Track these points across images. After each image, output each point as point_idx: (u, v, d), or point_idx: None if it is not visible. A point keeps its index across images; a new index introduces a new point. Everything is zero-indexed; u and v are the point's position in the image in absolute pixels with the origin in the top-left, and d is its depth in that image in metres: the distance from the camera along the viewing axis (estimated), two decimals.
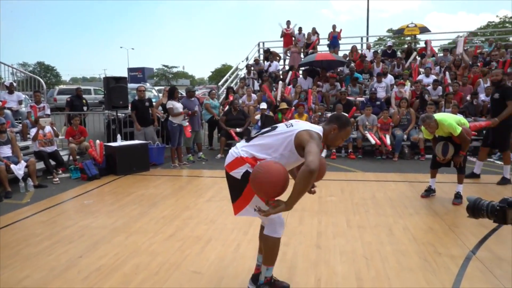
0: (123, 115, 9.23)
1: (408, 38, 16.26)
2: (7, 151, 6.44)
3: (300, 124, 2.56)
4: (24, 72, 12.33)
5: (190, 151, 8.74)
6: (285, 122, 2.69)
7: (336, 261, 3.45)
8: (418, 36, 16.40)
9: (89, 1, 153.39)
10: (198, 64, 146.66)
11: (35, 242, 4.08)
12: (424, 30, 15.06)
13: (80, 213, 5.13)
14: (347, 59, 12.77)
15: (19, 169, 6.26)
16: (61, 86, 28.24)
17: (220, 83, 12.30)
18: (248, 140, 2.66)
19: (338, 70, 12.10)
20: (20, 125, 8.45)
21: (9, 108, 8.60)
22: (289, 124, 2.59)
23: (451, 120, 4.93)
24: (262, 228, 2.79)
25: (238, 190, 2.61)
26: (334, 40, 14.18)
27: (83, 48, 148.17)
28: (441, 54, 12.48)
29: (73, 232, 4.34)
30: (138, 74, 48.90)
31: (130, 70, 50.33)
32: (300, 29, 14.53)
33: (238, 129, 8.95)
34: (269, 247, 2.72)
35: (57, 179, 6.88)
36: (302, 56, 13.55)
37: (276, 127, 2.65)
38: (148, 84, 19.05)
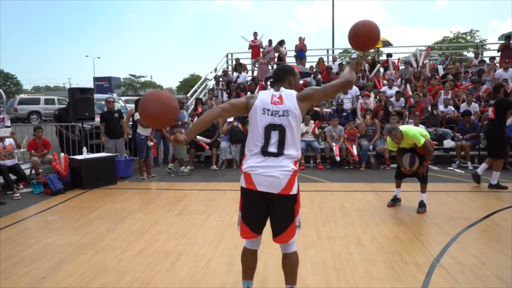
0: (89, 126, 8.99)
1: (372, 50, 16.86)
2: None
3: (287, 99, 2.52)
4: None
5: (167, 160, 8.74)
6: (276, 110, 2.52)
7: (307, 273, 3.49)
8: (381, 49, 17.07)
9: (52, 7, 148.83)
10: (166, 73, 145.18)
11: None
12: (386, 44, 15.71)
13: (43, 230, 4.92)
14: (314, 70, 13.06)
15: None
16: (22, 96, 27.07)
17: (188, 94, 12.23)
18: (279, 151, 2.47)
19: (306, 81, 12.35)
20: None
21: None
22: (285, 110, 2.50)
23: (414, 131, 5.15)
24: (284, 256, 2.70)
25: (292, 207, 2.55)
26: (300, 51, 14.47)
27: (46, 56, 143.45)
28: (403, 67, 13.02)
29: (35, 252, 4.15)
30: (105, 83, 47.81)
31: (96, 79, 49.12)
32: (270, 41, 14.74)
33: (206, 140, 8.92)
34: (296, 263, 2.69)
35: (18, 194, 6.58)
36: (270, 68, 13.74)
37: (280, 123, 2.50)
38: (115, 95, 18.66)
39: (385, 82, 11.44)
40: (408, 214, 5.22)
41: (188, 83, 48.65)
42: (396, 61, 13.49)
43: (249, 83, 12.47)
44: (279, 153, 2.46)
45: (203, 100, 11.19)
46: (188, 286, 3.28)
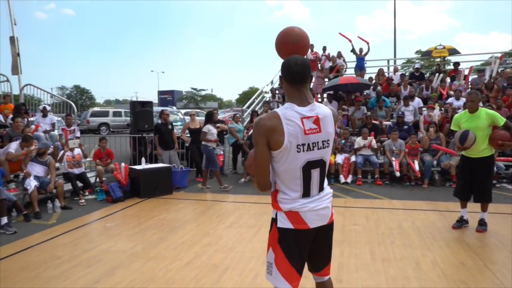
0: (149, 138, 9.40)
1: (437, 59, 15.93)
2: (39, 170, 6.64)
3: (325, 124, 2.02)
4: (58, 97, 12.89)
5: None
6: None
7: None
8: (448, 58, 16.02)
9: (122, 27, 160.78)
10: (226, 86, 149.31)
11: (55, 265, 4.11)
12: (453, 52, 14.71)
13: (101, 236, 5.16)
14: (373, 82, 12.59)
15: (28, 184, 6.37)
16: (94, 109, 29.29)
17: (245, 107, 12.39)
18: (321, 188, 2.09)
19: (364, 93, 11.94)
20: (52, 147, 8.72)
21: (45, 131, 8.96)
22: (325, 141, 2.02)
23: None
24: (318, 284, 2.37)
25: (332, 234, 2.25)
26: (359, 61, 14.04)
27: (116, 71, 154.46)
28: (475, 76, 12.09)
29: (92, 256, 4.35)
30: (168, 96, 50.18)
31: (160, 93, 51.78)
32: (324, 48, 14.50)
33: None
34: None
35: (83, 200, 7.01)
36: (326, 80, 13.49)
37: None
38: (174, 108, 19.44)
39: (452, 92, 10.68)
40: (477, 239, 4.73)
41: (247, 96, 49.47)
42: (465, 70, 12.54)
43: None
44: (321, 189, 2.09)
45: (259, 112, 11.24)
46: None
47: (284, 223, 2.03)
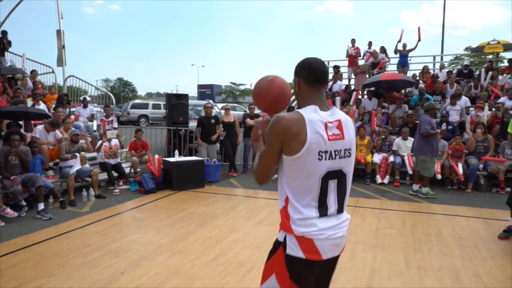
0: (183, 131, 9.46)
1: (490, 56, 14.95)
2: (74, 160, 6.83)
3: (348, 130, 1.83)
4: (99, 88, 13.32)
5: None
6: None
7: None
8: (502, 54, 14.96)
9: (165, 22, 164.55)
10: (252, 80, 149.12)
11: (85, 253, 4.17)
12: (508, 47, 13.70)
13: (131, 226, 5.21)
14: (417, 79, 11.99)
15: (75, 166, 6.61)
16: (135, 101, 30.14)
17: None
18: (339, 207, 1.82)
19: (407, 91, 11.40)
20: (90, 137, 9.00)
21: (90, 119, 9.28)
22: (347, 149, 1.80)
23: None
24: None
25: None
26: (402, 57, 13.42)
27: (158, 65, 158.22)
28: None
29: (120, 246, 4.38)
30: (207, 90, 50.86)
31: (200, 86, 52.56)
32: (370, 43, 13.99)
33: None
34: None
35: (117, 190, 7.15)
36: (367, 76, 13.01)
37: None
38: (211, 101, 19.58)
39: (505, 92, 9.95)
40: None
41: None
42: None
43: (343, 91, 11.98)
44: (340, 209, 1.80)
45: (295, 108, 11.02)
46: None
47: (294, 250, 1.72)
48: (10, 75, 10.10)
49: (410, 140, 8.06)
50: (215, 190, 7.50)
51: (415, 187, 7.10)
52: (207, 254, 4.15)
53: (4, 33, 11.59)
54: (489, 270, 3.77)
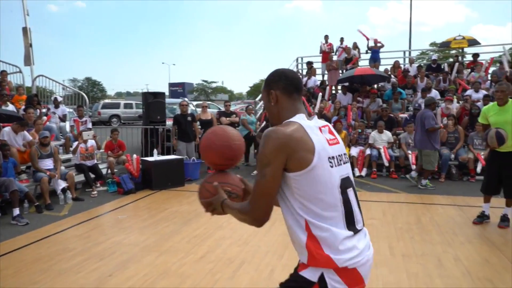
0: (161, 129, 9.32)
1: (454, 51, 15.54)
2: (49, 163, 6.59)
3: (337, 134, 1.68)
4: (70, 88, 12.91)
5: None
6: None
7: None
8: (466, 49, 15.58)
9: (133, 19, 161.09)
10: (237, 79, 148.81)
11: (68, 257, 4.06)
12: (473, 42, 14.28)
13: (113, 228, 5.11)
14: (389, 74, 12.32)
15: (59, 185, 6.40)
16: (106, 101, 29.39)
17: (257, 99, 12.24)
18: (362, 220, 1.59)
19: (379, 85, 11.69)
20: (63, 139, 8.72)
21: (62, 119, 8.96)
22: (345, 154, 1.62)
23: None
24: None
25: None
26: (374, 53, 13.75)
27: (127, 64, 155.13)
28: (495, 68, 11.74)
29: (105, 249, 4.29)
30: (179, 89, 50.14)
31: (171, 85, 51.75)
32: (342, 39, 14.22)
33: None
34: None
35: (95, 192, 6.98)
36: (340, 72, 13.24)
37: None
38: (186, 99, 19.41)
39: (471, 85, 10.39)
40: (500, 235, 4.55)
41: (258, 88, 49.28)
42: (485, 62, 12.14)
43: (318, 86, 12.14)
44: (363, 222, 1.58)
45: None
46: None
47: (335, 284, 1.41)
48: None
49: (386, 133, 8.30)
50: (195, 188, 7.37)
51: (424, 181, 7.07)
52: (195, 253, 4.13)
53: None
54: (467, 254, 3.96)
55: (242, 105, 24.88)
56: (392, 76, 12.12)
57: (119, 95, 77.79)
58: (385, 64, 14.28)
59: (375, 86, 11.72)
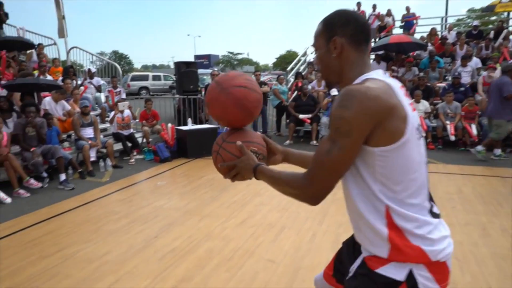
0: (197, 98, 9.37)
1: (495, 17, 14.67)
2: (90, 132, 6.80)
3: None
4: (103, 58, 13.10)
5: None
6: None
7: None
8: None
9: None
10: (263, 50, 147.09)
11: (114, 220, 4.24)
12: None
13: (153, 194, 5.27)
14: (425, 41, 11.81)
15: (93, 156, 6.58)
16: (134, 73, 29.72)
17: (288, 68, 12.05)
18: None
19: (415, 54, 11.24)
20: (99, 109, 8.93)
21: (97, 89, 9.16)
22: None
23: None
24: None
25: None
26: (408, 22, 13.17)
27: (153, 37, 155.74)
28: None
29: (148, 212, 4.45)
30: (205, 61, 50.02)
31: (197, 57, 51.65)
32: (374, 6, 13.66)
33: (306, 116, 8.66)
34: None
35: (133, 160, 7.18)
36: (373, 40, 12.80)
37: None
38: (216, 69, 19.35)
39: None
40: None
41: (284, 60, 48.55)
42: None
43: None
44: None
45: (303, 74, 10.90)
46: (293, 260, 3.17)
47: (424, 285, 1.15)
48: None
49: (423, 102, 8.04)
50: None
51: (497, 151, 6.79)
52: (235, 217, 4.21)
53: (0, 5, 11.24)
54: None
55: (269, 76, 24.65)
56: (429, 44, 11.61)
57: (145, 68, 78.47)
58: (421, 31, 13.69)
59: (410, 54, 11.29)
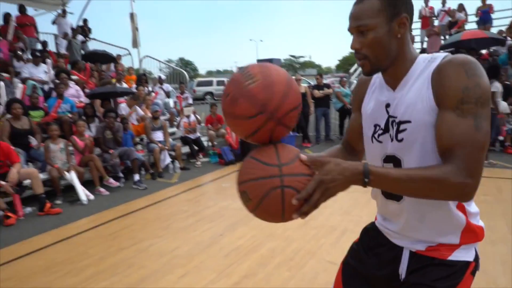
0: None
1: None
2: (160, 135, 7.28)
3: None
4: (171, 65, 13.90)
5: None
6: None
7: (497, 271, 2.94)
8: None
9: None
10: (325, 52, 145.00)
11: (182, 218, 4.51)
12: None
13: (219, 195, 5.50)
14: (504, 36, 10.91)
15: (166, 157, 7.01)
16: (199, 79, 31.03)
17: (351, 70, 11.84)
18: None
19: (491, 50, 10.45)
20: (168, 113, 9.49)
21: (167, 95, 9.78)
22: None
23: None
24: None
25: None
26: (484, 15, 12.23)
27: (216, 42, 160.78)
28: None
29: (214, 212, 4.67)
30: None
31: (259, 61, 52.54)
32: (444, 1, 12.88)
33: None
34: None
35: (199, 162, 7.54)
36: (442, 38, 12.11)
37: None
38: None
39: None
40: None
41: (347, 62, 47.58)
42: None
43: None
44: None
45: None
46: None
47: (478, 261, 1.26)
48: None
49: (500, 102, 7.46)
50: None
51: None
52: (298, 219, 4.25)
53: (85, 21, 12.44)
54: None
55: (332, 79, 24.33)
56: (508, 38, 10.71)
57: (209, 73, 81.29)
58: (498, 25, 12.66)
59: (485, 51, 10.51)
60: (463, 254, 1.20)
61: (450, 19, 12.63)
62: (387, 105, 1.20)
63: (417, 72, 1.13)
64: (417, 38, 13.49)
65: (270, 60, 53.06)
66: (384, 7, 1.08)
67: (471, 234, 1.19)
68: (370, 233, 1.44)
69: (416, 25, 13.62)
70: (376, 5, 1.09)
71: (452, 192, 1.02)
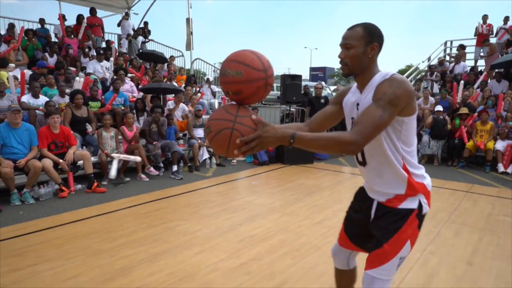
0: (294, 109, 9.94)
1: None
2: (201, 132, 7.84)
3: None
4: (218, 68, 14.61)
5: None
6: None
7: (488, 283, 3.07)
8: None
9: (277, 5, 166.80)
10: (382, 64, 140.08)
11: (209, 207, 4.97)
12: None
13: (247, 190, 5.92)
14: None
15: (202, 154, 7.55)
16: None
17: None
18: None
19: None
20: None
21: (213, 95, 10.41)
22: None
23: None
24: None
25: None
26: None
27: (271, 48, 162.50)
28: None
29: (238, 205, 5.09)
30: (320, 73, 50.64)
31: (312, 69, 52.56)
32: (506, 18, 12.37)
33: None
34: None
35: (235, 160, 8.01)
36: (499, 56, 11.68)
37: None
38: (323, 83, 19.71)
39: None
40: None
41: (403, 73, 46.26)
42: None
43: (467, 73, 11.03)
44: None
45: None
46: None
47: (426, 208, 1.79)
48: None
49: None
50: (323, 167, 7.86)
51: None
52: (312, 218, 4.57)
53: (146, 23, 13.49)
54: None
55: None
56: None
57: None
58: None
59: None
60: (408, 204, 1.76)
61: (508, 37, 12.16)
62: (357, 104, 1.77)
63: (375, 83, 1.69)
64: (470, 56, 13.12)
65: (323, 69, 52.31)
66: (365, 36, 1.69)
67: (413, 188, 1.75)
68: (360, 190, 2.07)
69: (471, 42, 13.28)
70: (360, 33, 1.69)
71: (343, 147, 1.54)
